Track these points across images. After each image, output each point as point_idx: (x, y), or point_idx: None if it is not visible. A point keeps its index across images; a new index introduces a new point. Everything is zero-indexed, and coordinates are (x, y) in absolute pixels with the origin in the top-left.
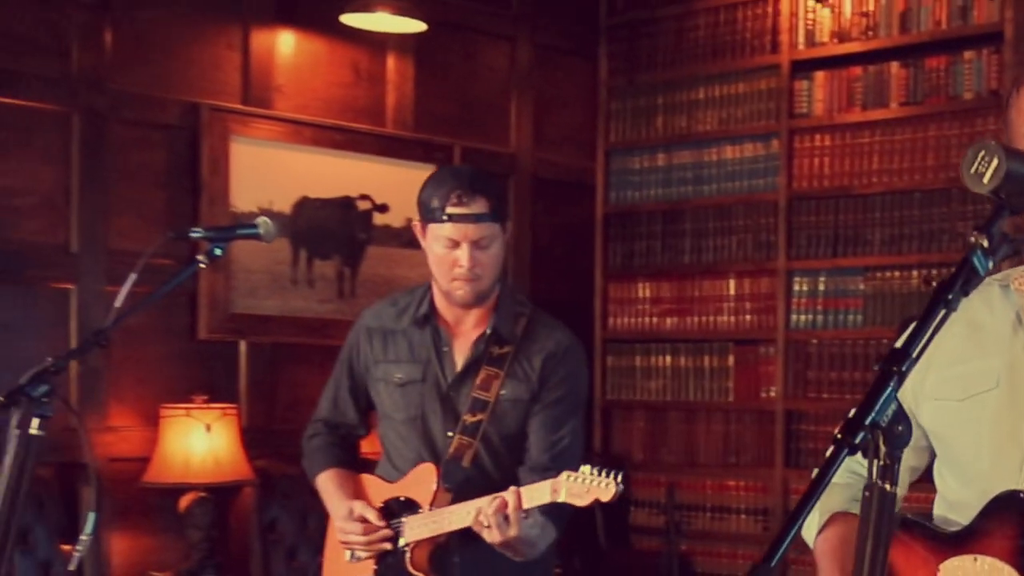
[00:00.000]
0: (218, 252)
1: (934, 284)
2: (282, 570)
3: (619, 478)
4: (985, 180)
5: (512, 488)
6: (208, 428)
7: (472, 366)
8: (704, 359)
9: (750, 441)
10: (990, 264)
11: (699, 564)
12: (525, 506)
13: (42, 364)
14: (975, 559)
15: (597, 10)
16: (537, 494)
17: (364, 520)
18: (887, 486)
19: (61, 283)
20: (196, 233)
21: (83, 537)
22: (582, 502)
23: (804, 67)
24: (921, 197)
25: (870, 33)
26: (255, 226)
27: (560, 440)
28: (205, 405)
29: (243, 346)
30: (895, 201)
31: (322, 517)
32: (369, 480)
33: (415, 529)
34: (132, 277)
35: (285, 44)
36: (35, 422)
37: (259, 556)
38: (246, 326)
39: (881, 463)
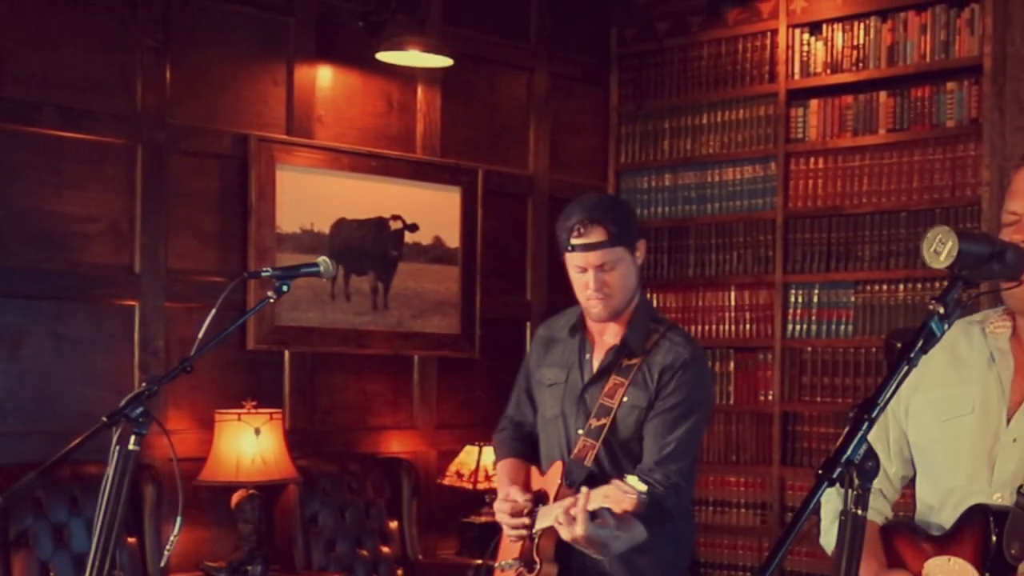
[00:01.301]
0: (285, 288)
1: (898, 346)
2: (322, 560)
3: (644, 490)
4: (942, 258)
5: (584, 489)
6: (257, 432)
7: (603, 373)
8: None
9: (749, 441)
10: (946, 327)
11: (702, 554)
12: (590, 507)
13: (138, 389)
14: (949, 560)
15: (608, 42)
16: (598, 497)
17: (514, 502)
18: (859, 511)
19: (125, 300)
20: (267, 272)
21: (172, 538)
22: (618, 508)
23: (799, 95)
24: (907, 216)
25: (860, 65)
26: (316, 265)
27: (666, 446)
28: (254, 410)
29: (287, 355)
30: (883, 220)
31: (358, 511)
32: (533, 470)
33: (542, 519)
34: (212, 313)
35: (325, 79)
36: (132, 439)
37: (301, 547)
38: (290, 337)
39: (855, 493)
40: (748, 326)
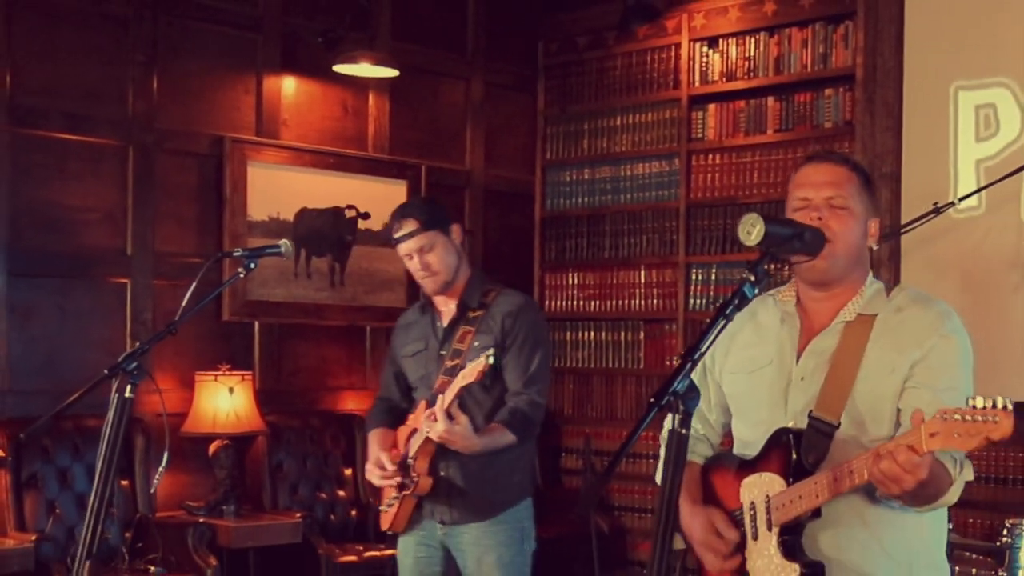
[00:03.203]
0: (252, 266)
1: (718, 305)
2: (287, 501)
3: (492, 361)
4: (752, 238)
5: (440, 396)
6: (231, 391)
7: (452, 327)
8: (620, 334)
9: None
10: (756, 291)
11: (616, 499)
12: (448, 399)
13: (133, 348)
14: (761, 475)
15: (536, 55)
16: (454, 388)
17: (383, 467)
18: (683, 431)
19: (118, 279)
20: (237, 252)
21: (160, 469)
22: (471, 377)
23: (699, 100)
24: None
25: (751, 74)
26: (278, 247)
27: (527, 371)
28: (228, 372)
29: (257, 325)
30: (771, 209)
31: (318, 460)
32: (399, 431)
33: (414, 444)
34: (193, 286)
35: (289, 88)
36: (127, 388)
37: (269, 490)
38: (259, 310)
39: (679, 416)
40: (655, 301)
